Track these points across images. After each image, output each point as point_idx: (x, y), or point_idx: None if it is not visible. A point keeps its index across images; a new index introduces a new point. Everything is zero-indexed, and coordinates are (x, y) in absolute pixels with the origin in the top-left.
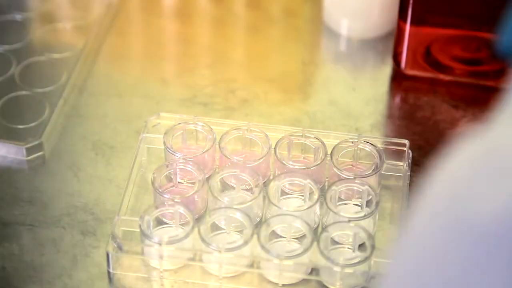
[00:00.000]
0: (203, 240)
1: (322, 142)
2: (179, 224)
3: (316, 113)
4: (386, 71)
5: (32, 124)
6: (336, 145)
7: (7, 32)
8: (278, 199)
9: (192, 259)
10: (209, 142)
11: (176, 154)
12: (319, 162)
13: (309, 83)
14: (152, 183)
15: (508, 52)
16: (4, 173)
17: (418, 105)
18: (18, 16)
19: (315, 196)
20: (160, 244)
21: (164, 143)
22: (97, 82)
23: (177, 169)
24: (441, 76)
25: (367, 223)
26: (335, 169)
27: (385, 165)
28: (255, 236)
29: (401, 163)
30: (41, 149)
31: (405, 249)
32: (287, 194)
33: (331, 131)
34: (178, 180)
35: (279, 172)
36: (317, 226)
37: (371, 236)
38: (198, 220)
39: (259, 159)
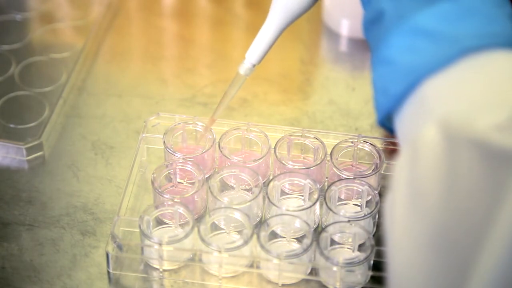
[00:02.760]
0: (202, 240)
1: (322, 142)
2: (179, 224)
3: (315, 113)
4: None
5: (32, 124)
6: (335, 145)
7: (7, 32)
8: (277, 199)
9: (192, 259)
10: (209, 142)
11: (175, 154)
12: (318, 162)
13: (309, 83)
14: (152, 183)
15: (386, 126)
16: (4, 173)
17: None
18: (18, 16)
19: (315, 196)
20: (160, 244)
21: (164, 143)
22: (96, 82)
23: (177, 169)
24: None
25: (367, 223)
26: (334, 169)
27: (385, 165)
28: (254, 236)
29: None
30: (41, 149)
31: None
32: (287, 194)
33: (330, 131)
34: (178, 180)
35: (278, 172)
36: (317, 226)
37: (371, 236)
38: (198, 220)
39: (258, 159)
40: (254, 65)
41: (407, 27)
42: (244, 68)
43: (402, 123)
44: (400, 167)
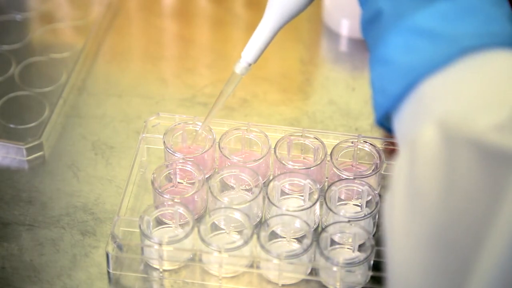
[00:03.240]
0: (203, 240)
1: (322, 142)
2: (179, 224)
3: (315, 113)
4: None
5: (32, 124)
6: (335, 145)
7: (7, 32)
8: (277, 199)
9: (192, 259)
10: (209, 142)
11: (175, 154)
12: (318, 162)
13: (309, 83)
14: (152, 183)
15: (384, 126)
16: (4, 173)
17: None
18: (18, 16)
19: (315, 196)
20: (160, 244)
21: (164, 143)
22: (96, 82)
23: (177, 169)
24: None
25: (367, 223)
26: (334, 169)
27: (385, 165)
28: (255, 236)
29: None
30: (41, 149)
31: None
32: (287, 194)
33: (330, 131)
34: (178, 180)
35: (278, 172)
36: (317, 226)
37: (371, 236)
38: (198, 220)
39: (258, 159)
40: (250, 64)
41: (405, 27)
42: (240, 67)
43: (401, 123)
44: (399, 167)
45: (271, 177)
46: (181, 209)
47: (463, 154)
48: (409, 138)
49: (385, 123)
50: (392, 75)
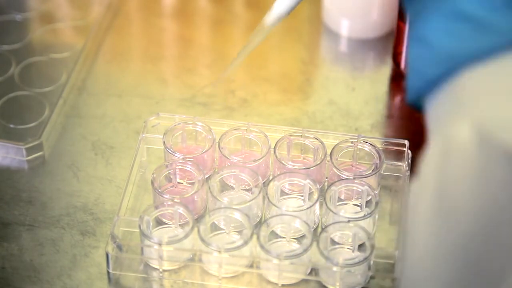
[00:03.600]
0: (202, 240)
1: (322, 142)
2: (179, 224)
3: (315, 113)
4: (385, 71)
5: (32, 124)
6: (335, 145)
7: (7, 32)
8: (277, 199)
9: (192, 260)
10: (209, 142)
11: (175, 154)
12: (318, 162)
13: (309, 83)
14: (152, 183)
15: (415, 105)
16: (4, 173)
17: None
18: (18, 16)
19: (315, 196)
20: (159, 244)
21: (164, 143)
22: (96, 82)
23: (177, 169)
24: None
25: (367, 223)
26: (334, 169)
27: (384, 165)
28: (254, 236)
29: (400, 163)
30: (41, 149)
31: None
32: (287, 194)
33: (330, 131)
34: (178, 180)
35: (278, 172)
36: (317, 226)
37: (370, 236)
38: (198, 220)
39: (258, 159)
40: (281, 18)
41: (449, 9)
42: (271, 18)
43: (435, 110)
44: (430, 158)
45: (270, 177)
46: (181, 209)
47: (498, 164)
48: (443, 130)
49: (415, 102)
50: (429, 58)
